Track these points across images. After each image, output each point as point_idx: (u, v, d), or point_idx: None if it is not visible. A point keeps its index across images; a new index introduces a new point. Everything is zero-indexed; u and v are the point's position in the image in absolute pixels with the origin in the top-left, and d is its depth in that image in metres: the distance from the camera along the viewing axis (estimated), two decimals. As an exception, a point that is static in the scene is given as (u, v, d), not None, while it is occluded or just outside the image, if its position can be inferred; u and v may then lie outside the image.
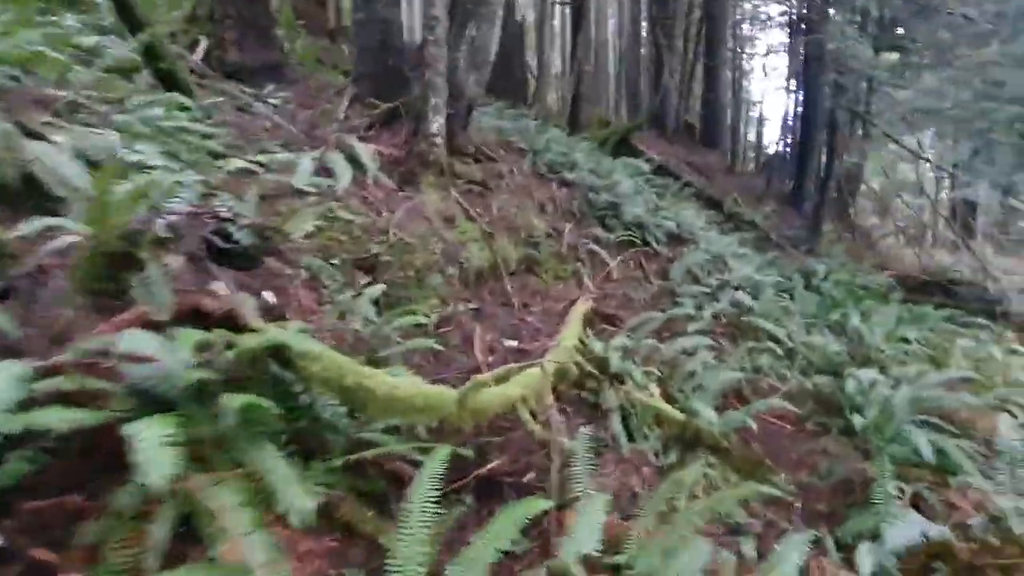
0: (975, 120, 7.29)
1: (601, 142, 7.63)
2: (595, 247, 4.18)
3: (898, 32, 8.96)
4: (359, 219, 3.06)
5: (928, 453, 2.71)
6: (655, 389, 3.35)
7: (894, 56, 9.23)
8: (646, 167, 6.45)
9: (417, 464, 2.07)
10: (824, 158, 8.92)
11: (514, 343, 3.24)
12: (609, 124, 9.06)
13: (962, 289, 7.55)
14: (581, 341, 3.20)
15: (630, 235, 4.59)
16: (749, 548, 2.42)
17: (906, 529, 2.04)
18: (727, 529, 2.59)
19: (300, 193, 3.02)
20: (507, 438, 2.32)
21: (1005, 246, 10.52)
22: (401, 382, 1.86)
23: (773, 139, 17.61)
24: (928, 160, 8.69)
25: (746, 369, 4.11)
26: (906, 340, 5.20)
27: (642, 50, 13.61)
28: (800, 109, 10.96)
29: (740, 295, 4.64)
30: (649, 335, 3.69)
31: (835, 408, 3.82)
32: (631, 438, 2.97)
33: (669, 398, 3.32)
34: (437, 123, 3.78)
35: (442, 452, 1.56)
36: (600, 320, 3.73)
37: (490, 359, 3.07)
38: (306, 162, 3.35)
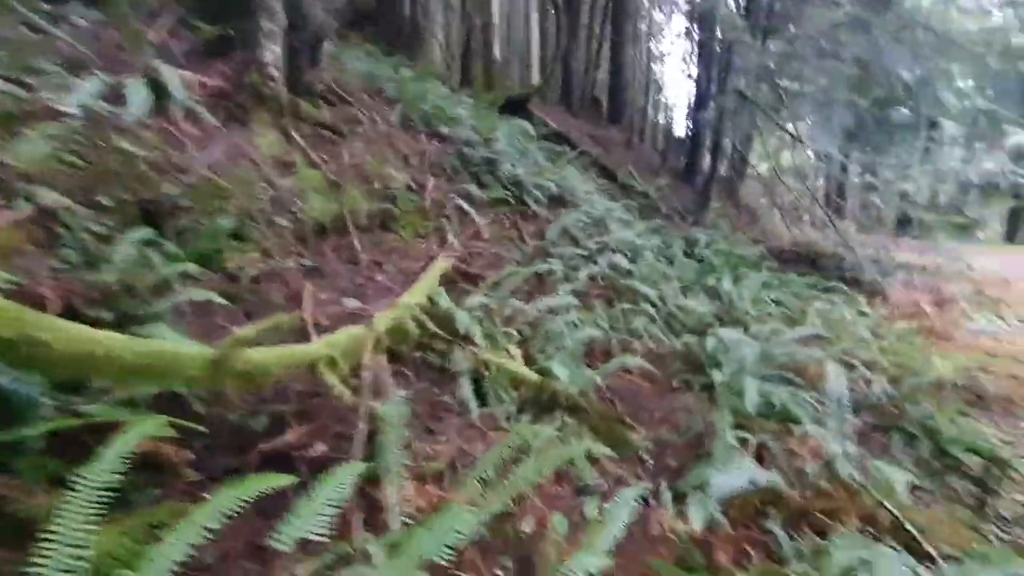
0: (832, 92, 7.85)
1: (493, 103, 7.31)
2: (464, 204, 3.87)
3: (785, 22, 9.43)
4: (150, 154, 2.50)
5: (754, 404, 2.71)
6: (516, 350, 3.14)
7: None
8: (535, 131, 6.22)
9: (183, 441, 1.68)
10: (712, 139, 9.26)
11: (356, 303, 2.86)
12: (504, 86, 8.74)
13: (825, 260, 8.17)
14: (430, 299, 2.89)
15: (508, 194, 4.33)
16: (592, 508, 2.28)
17: (732, 478, 1.95)
18: (574, 489, 2.44)
19: (64, 117, 2.40)
20: (309, 406, 1.96)
21: (865, 224, 11.65)
22: (135, 342, 1.44)
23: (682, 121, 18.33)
24: (801, 141, 9.27)
25: (618, 330, 4.04)
26: (770, 302, 5.45)
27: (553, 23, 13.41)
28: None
29: (618, 258, 4.56)
30: (516, 295, 3.47)
31: (700, 366, 3.84)
32: (483, 402, 2.73)
33: (530, 359, 3.13)
34: (271, 52, 3.24)
35: (147, 424, 1.17)
36: (463, 279, 3.43)
37: (324, 321, 2.68)
38: (88, 85, 2.70)
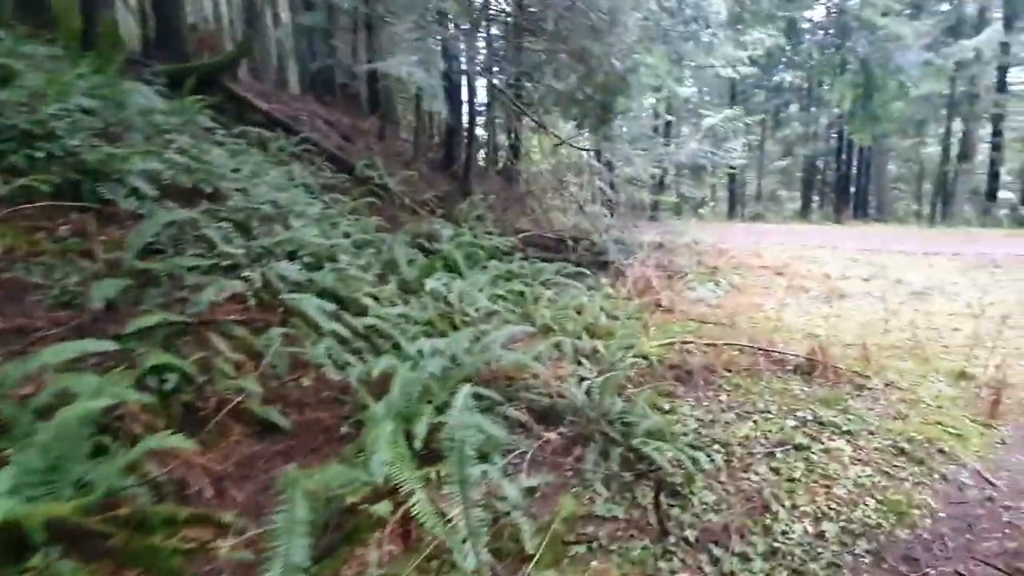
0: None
1: (173, 79, 5.59)
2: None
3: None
4: None
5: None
6: None
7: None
8: (232, 113, 4.78)
9: None
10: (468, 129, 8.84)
11: None
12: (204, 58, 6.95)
13: (579, 245, 8.28)
14: None
15: (65, 182, 2.87)
16: None
17: None
18: None
19: None
20: None
21: (622, 212, 12.64)
22: None
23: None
24: (544, 128, 9.38)
25: (277, 366, 2.96)
26: (504, 296, 4.96)
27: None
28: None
29: (286, 267, 3.45)
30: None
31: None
32: None
33: None
34: None
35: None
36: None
37: None
38: None
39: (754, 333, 4.82)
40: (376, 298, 4.07)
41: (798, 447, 2.91)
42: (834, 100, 17.88)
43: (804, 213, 22.26)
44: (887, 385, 3.78)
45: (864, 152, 19.71)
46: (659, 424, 2.91)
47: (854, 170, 20.83)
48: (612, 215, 9.50)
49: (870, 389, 3.73)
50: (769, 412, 3.33)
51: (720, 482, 2.60)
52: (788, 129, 22.70)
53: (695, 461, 2.66)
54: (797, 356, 4.05)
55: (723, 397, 3.54)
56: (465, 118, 9.62)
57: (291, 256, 3.66)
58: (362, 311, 3.72)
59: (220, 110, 5.95)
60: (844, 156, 21.37)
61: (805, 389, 3.68)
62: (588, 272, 7.73)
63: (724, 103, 25.39)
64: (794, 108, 22.57)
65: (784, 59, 21.93)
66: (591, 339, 4.21)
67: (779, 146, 23.95)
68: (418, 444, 2.39)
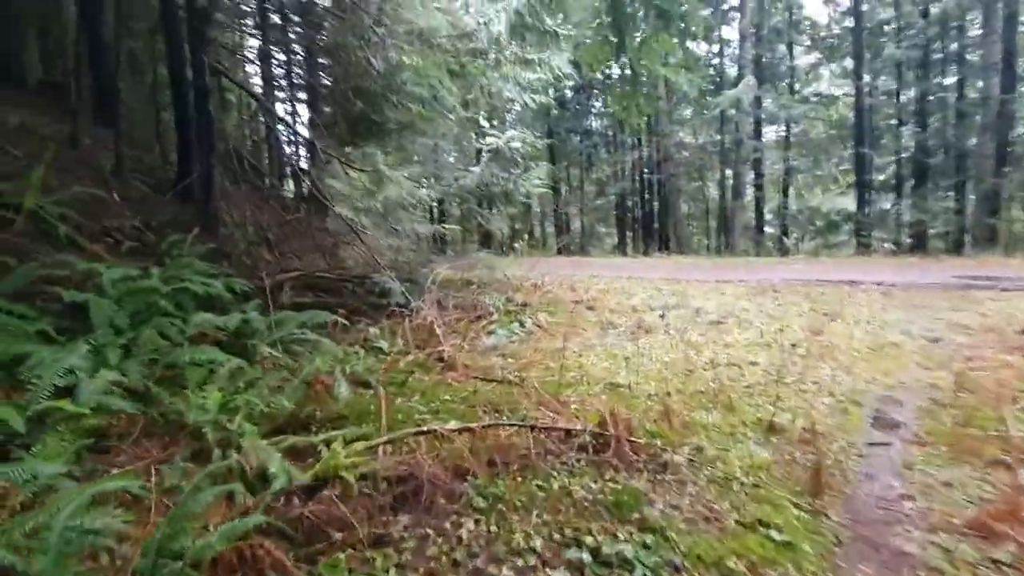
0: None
1: None
2: None
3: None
4: None
5: None
6: None
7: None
8: None
9: None
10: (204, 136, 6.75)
11: None
12: None
13: (355, 285, 6.69)
14: None
15: None
16: None
17: None
18: None
19: None
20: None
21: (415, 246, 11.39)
22: None
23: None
24: (282, 124, 7.75)
25: None
26: (151, 380, 3.09)
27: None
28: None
29: None
30: None
31: None
32: None
33: None
34: None
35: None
36: None
37: None
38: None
39: (544, 393, 3.69)
40: None
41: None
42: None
43: (620, 247, 23.80)
44: (691, 461, 2.80)
45: (662, 192, 21.73)
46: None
47: (656, 209, 22.89)
48: (412, 248, 8.15)
49: (674, 470, 2.70)
50: (532, 550, 2.03)
51: None
52: (599, 170, 24.33)
53: None
54: (585, 431, 2.91)
55: (469, 527, 2.17)
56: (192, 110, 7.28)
57: None
58: None
59: None
60: (647, 196, 23.48)
61: (593, 486, 2.50)
62: (369, 320, 6.17)
63: (542, 141, 26.62)
64: (603, 152, 24.29)
65: (592, 109, 23.66)
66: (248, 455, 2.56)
67: (594, 186, 25.55)
68: None
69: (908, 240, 17.36)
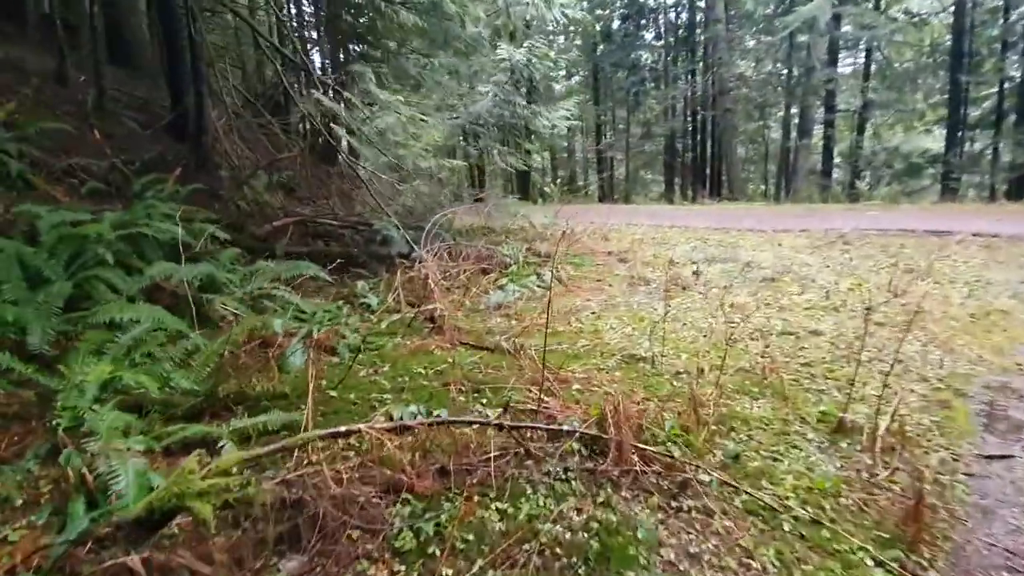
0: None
1: None
2: None
3: None
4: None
5: None
6: None
7: None
8: None
9: None
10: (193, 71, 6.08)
11: None
12: None
13: (363, 234, 6.04)
14: None
15: None
16: None
17: None
18: None
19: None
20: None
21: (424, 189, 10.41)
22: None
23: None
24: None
25: None
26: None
27: None
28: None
29: None
30: None
31: None
32: None
33: None
34: None
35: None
36: None
37: None
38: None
39: (543, 366, 2.93)
40: None
41: None
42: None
43: (667, 194, 22.13)
44: (722, 482, 2.00)
45: (715, 132, 19.76)
46: None
47: (709, 152, 20.97)
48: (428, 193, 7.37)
49: (696, 493, 1.93)
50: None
51: None
52: (647, 110, 22.37)
53: None
54: (579, 431, 2.15)
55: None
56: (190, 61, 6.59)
57: None
58: None
59: None
60: (699, 137, 21.45)
61: (575, 518, 1.77)
62: (365, 272, 5.55)
63: (588, 80, 24.61)
64: (651, 88, 22.22)
65: (639, 39, 21.45)
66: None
67: (640, 128, 23.61)
68: None
69: (1004, 186, 15.00)
